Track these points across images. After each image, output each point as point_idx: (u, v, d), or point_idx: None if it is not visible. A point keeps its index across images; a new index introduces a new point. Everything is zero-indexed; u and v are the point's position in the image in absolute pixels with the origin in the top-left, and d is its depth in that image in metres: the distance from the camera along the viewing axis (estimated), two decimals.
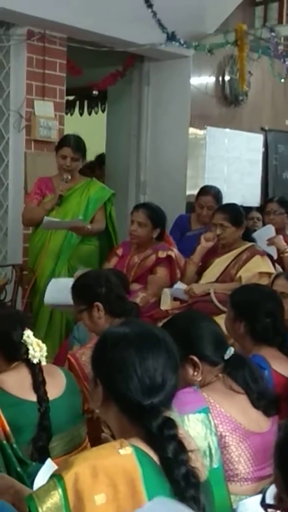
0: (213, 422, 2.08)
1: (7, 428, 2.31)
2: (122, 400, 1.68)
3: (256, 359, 2.66)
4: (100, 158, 7.27)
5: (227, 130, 7.01)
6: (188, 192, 6.50)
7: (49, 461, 2.15)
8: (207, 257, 4.45)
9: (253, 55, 6.19)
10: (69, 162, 4.85)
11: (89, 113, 7.71)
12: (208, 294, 4.19)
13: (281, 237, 4.86)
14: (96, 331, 3.10)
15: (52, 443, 2.48)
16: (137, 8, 5.27)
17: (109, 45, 5.77)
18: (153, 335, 1.76)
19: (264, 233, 4.91)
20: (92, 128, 6.84)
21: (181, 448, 1.64)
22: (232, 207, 4.58)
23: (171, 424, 1.65)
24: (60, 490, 1.53)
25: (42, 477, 2.00)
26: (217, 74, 6.82)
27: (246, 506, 1.93)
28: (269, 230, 4.95)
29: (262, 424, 2.24)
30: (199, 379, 2.29)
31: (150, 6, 5.34)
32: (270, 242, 4.77)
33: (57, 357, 4.11)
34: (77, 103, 7.70)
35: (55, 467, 2.01)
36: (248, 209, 5.78)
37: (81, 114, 7.73)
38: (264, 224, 5.47)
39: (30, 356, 2.54)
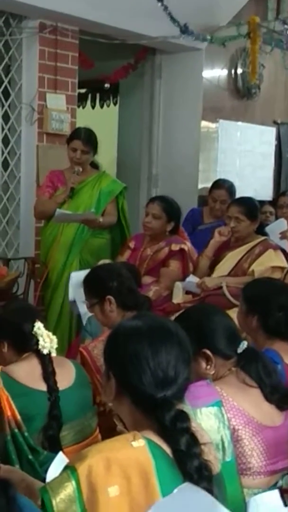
0: (226, 416, 2.08)
1: (18, 417, 2.33)
2: (134, 393, 1.68)
3: (269, 354, 2.65)
4: None
5: (240, 123, 6.99)
6: (200, 186, 6.49)
7: (60, 454, 2.16)
8: (220, 251, 4.44)
9: (265, 47, 6.17)
10: (79, 155, 4.84)
11: (101, 106, 7.69)
12: (221, 287, 4.18)
13: None
14: (108, 325, 3.10)
15: (62, 432, 2.50)
16: (149, 0, 5.25)
17: (121, 38, 5.76)
18: (165, 328, 1.76)
19: (277, 227, 4.89)
20: (104, 121, 6.83)
21: (193, 441, 1.64)
22: (247, 200, 4.57)
23: (183, 417, 1.65)
24: (73, 482, 1.53)
25: (54, 470, 2.01)
26: (230, 67, 6.79)
27: (257, 502, 1.92)
28: (282, 224, 4.92)
29: (275, 418, 2.23)
30: (212, 372, 2.29)
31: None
32: (283, 236, 4.74)
33: (69, 351, 4.12)
34: (89, 96, 7.68)
35: (66, 460, 2.02)
36: (261, 202, 5.75)
37: (93, 107, 7.71)
38: (276, 218, 5.45)
39: (40, 346, 2.56)
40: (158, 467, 1.57)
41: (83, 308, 3.87)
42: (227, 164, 6.83)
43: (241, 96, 6.94)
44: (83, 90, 7.23)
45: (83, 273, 3.48)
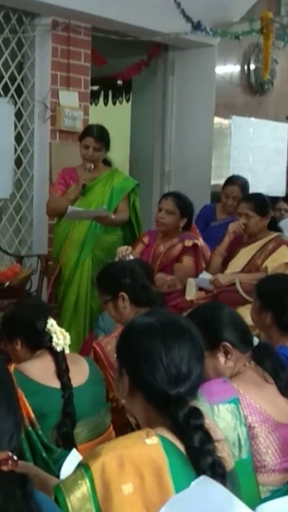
0: (242, 413, 2.07)
1: (32, 414, 2.34)
2: (148, 389, 1.68)
3: (282, 351, 2.64)
4: None
5: (252, 119, 6.96)
6: (212, 182, 6.47)
7: (74, 451, 2.17)
8: (233, 247, 4.42)
9: (279, 43, 6.15)
10: (92, 152, 4.84)
11: (114, 103, 7.69)
12: (234, 284, 4.17)
13: None
14: (122, 321, 3.10)
15: (76, 429, 2.50)
16: None
17: (133, 35, 5.75)
18: (178, 324, 1.76)
19: None
20: (116, 118, 6.83)
21: (207, 438, 1.63)
22: (257, 196, 4.56)
23: (197, 413, 1.65)
24: (87, 480, 1.53)
25: (67, 468, 2.01)
26: (242, 62, 6.76)
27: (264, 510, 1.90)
28: None
29: None
30: (231, 365, 2.28)
31: None
32: None
33: (83, 348, 4.13)
34: (102, 93, 7.69)
35: (80, 457, 2.02)
36: (274, 199, 5.74)
37: (105, 104, 7.71)
38: None
39: (54, 344, 2.57)
40: (171, 465, 1.57)
41: None
42: (240, 160, 6.80)
43: (254, 92, 6.91)
44: (95, 87, 7.23)
45: None
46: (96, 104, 7.54)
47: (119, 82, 7.03)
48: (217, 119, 6.55)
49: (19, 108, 5.48)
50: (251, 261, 4.28)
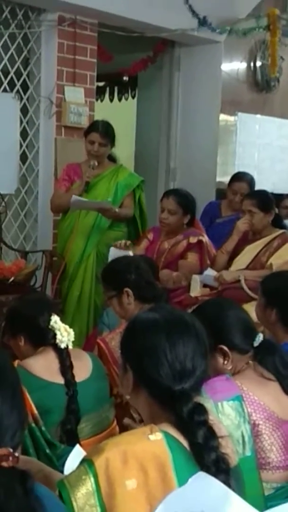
0: (246, 410, 2.07)
1: (35, 411, 2.33)
2: (152, 385, 1.68)
3: (287, 348, 2.64)
4: None
5: (258, 116, 6.95)
6: (218, 179, 6.47)
7: (77, 447, 2.16)
8: (238, 244, 4.42)
9: (285, 40, 6.13)
10: (97, 148, 4.84)
11: (119, 99, 7.69)
12: (239, 281, 4.17)
13: None
14: (126, 317, 3.10)
15: (80, 425, 2.50)
16: None
17: (139, 31, 5.75)
18: (183, 320, 1.76)
19: None
20: (122, 115, 6.82)
21: (211, 434, 1.63)
22: (260, 193, 4.56)
23: (201, 409, 1.65)
24: (91, 476, 1.53)
25: (71, 463, 2.01)
26: (249, 59, 6.75)
27: None
28: None
29: None
30: (230, 367, 2.28)
31: None
32: None
33: (87, 343, 4.13)
34: (107, 89, 7.68)
35: (83, 452, 2.02)
36: (279, 196, 5.73)
37: (111, 100, 7.71)
38: None
39: (57, 341, 2.56)
40: (175, 460, 1.57)
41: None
42: (245, 157, 6.80)
43: (260, 89, 6.89)
44: (101, 83, 7.23)
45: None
46: (101, 100, 7.54)
47: (125, 78, 7.02)
48: (222, 116, 6.54)
49: (24, 104, 5.49)
50: (256, 258, 4.28)
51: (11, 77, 5.37)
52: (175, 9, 5.66)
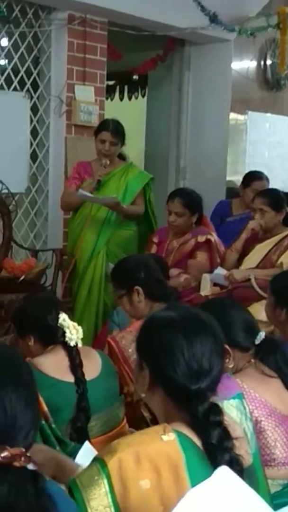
0: (248, 408, 2.07)
1: (45, 408, 2.33)
2: (168, 383, 1.67)
3: None
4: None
5: (268, 114, 6.94)
6: (228, 178, 6.46)
7: (86, 444, 2.17)
8: (248, 243, 4.41)
9: None
10: (108, 147, 4.84)
11: (129, 98, 7.69)
12: (249, 280, 4.16)
13: None
14: (136, 316, 3.11)
15: (90, 423, 2.50)
16: None
17: (149, 29, 5.75)
18: (199, 319, 1.75)
19: None
20: (132, 113, 6.83)
21: (225, 435, 1.62)
22: (271, 191, 4.55)
23: (217, 410, 1.64)
24: (104, 477, 1.52)
25: (81, 460, 2.01)
26: (259, 58, 6.74)
27: None
28: None
29: None
30: (231, 366, 2.27)
31: None
32: None
33: (96, 341, 4.14)
34: (117, 88, 7.69)
35: (93, 450, 2.02)
36: None
37: (121, 99, 7.71)
38: None
39: (67, 339, 2.56)
40: (188, 461, 1.56)
41: None
42: (255, 156, 6.78)
43: (270, 88, 6.88)
44: (111, 82, 7.24)
45: None
46: (111, 99, 7.54)
47: (135, 77, 7.02)
48: (233, 115, 6.53)
49: (35, 103, 5.49)
50: (266, 257, 4.27)
51: (21, 76, 5.38)
52: (185, 8, 5.65)
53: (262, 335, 2.33)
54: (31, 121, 5.47)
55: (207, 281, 4.40)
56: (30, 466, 1.26)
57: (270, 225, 4.32)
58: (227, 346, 2.25)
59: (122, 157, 5.05)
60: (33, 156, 5.55)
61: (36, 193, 5.60)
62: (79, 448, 2.17)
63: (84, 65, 5.56)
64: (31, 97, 5.45)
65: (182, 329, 1.69)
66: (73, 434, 2.45)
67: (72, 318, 2.63)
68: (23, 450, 1.26)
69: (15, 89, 5.37)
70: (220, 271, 4.33)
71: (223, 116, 6.47)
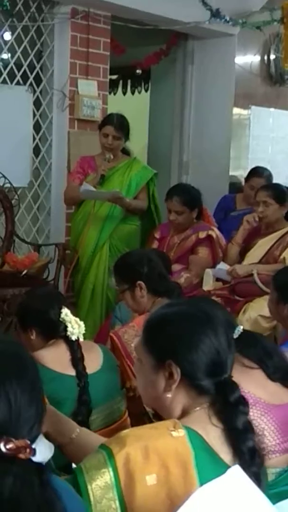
0: None
1: (47, 401, 2.33)
2: (197, 376, 1.65)
3: None
4: None
5: (272, 109, 6.92)
6: (231, 173, 6.45)
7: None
8: (251, 238, 4.41)
9: None
10: (111, 141, 4.83)
11: (132, 93, 7.68)
12: (251, 275, 4.16)
13: None
14: (139, 311, 3.11)
15: (91, 417, 2.51)
16: None
17: (153, 23, 5.73)
18: (211, 314, 1.73)
19: None
20: (135, 108, 6.81)
21: (250, 426, 1.64)
22: (275, 185, 4.60)
23: (245, 403, 1.65)
24: (110, 469, 1.51)
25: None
26: (262, 52, 6.72)
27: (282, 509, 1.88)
28: None
29: (283, 397, 2.20)
30: None
31: None
32: None
33: (98, 336, 4.14)
34: (121, 82, 7.67)
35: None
36: None
37: (124, 93, 7.70)
38: None
39: (69, 333, 2.57)
40: (197, 458, 1.55)
41: None
42: (259, 151, 6.77)
43: (273, 82, 6.86)
44: (114, 76, 7.22)
45: None
46: (115, 93, 7.53)
47: (138, 71, 7.01)
48: (236, 109, 6.51)
49: (37, 97, 5.49)
50: (269, 252, 4.26)
51: (24, 70, 5.37)
52: (189, 2, 5.63)
53: (240, 329, 2.31)
54: (34, 115, 5.46)
55: (209, 276, 4.40)
56: (36, 459, 1.26)
57: (272, 219, 4.32)
58: None
59: (126, 152, 5.04)
60: (36, 151, 5.54)
61: (39, 187, 5.60)
62: None
63: (87, 59, 5.55)
64: (34, 91, 5.44)
65: (204, 321, 1.69)
66: None
67: (74, 312, 2.64)
68: (28, 442, 1.26)
69: (18, 83, 5.36)
70: (222, 266, 4.33)
71: (226, 111, 6.45)
